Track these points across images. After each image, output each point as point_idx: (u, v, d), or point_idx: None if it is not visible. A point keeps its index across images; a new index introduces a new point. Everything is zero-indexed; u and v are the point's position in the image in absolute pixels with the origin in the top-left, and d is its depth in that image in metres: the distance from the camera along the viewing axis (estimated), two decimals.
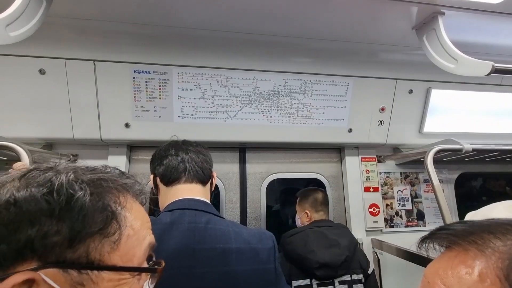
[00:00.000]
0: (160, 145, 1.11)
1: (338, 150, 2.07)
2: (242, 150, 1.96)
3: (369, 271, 1.48)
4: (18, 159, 1.18)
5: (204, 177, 1.02)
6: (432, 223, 2.01)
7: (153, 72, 1.55)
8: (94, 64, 1.48)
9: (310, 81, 1.71)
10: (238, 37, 1.48)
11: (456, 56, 1.19)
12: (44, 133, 1.54)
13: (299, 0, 1.16)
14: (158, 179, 1.02)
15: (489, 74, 1.05)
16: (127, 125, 1.58)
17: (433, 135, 1.93)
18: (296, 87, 1.71)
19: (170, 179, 0.99)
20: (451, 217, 2.05)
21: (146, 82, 1.55)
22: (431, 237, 0.45)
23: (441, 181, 2.10)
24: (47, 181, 0.40)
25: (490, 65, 1.04)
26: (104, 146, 1.70)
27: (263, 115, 1.71)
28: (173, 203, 0.93)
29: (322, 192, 1.66)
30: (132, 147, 1.80)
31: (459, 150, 1.51)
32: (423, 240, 0.46)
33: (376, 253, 1.86)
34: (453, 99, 1.89)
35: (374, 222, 1.90)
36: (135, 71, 1.53)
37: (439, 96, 1.85)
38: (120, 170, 0.51)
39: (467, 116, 1.93)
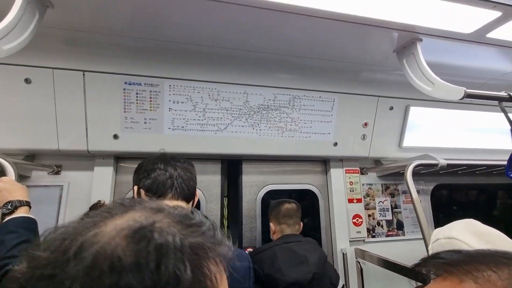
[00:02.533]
0: (149, 156, 1.12)
1: (324, 163, 2.15)
2: (237, 162, 1.98)
3: (339, 287, 1.47)
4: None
5: (189, 195, 1.03)
6: (410, 232, 2.12)
7: (145, 84, 1.55)
8: (84, 74, 1.46)
9: (298, 96, 1.78)
10: (230, 53, 1.52)
11: (433, 80, 1.30)
12: (28, 144, 1.49)
13: (289, 19, 1.22)
14: (142, 192, 1.01)
15: (462, 98, 1.16)
16: (115, 137, 1.56)
17: (411, 149, 2.06)
18: (285, 102, 1.77)
19: (156, 194, 0.99)
20: (428, 227, 2.19)
21: (137, 94, 1.55)
22: (425, 264, 0.44)
23: (418, 192, 2.22)
24: (157, 249, 0.33)
25: (463, 91, 1.15)
26: (90, 157, 1.67)
27: (253, 128, 1.75)
28: None
29: (289, 204, 1.59)
30: (119, 158, 1.77)
31: (435, 165, 1.63)
32: (417, 266, 0.45)
33: (359, 262, 1.93)
34: (429, 116, 2.03)
35: (357, 232, 1.97)
36: (126, 83, 1.53)
37: (417, 113, 1.99)
38: (212, 224, 0.42)
39: (442, 132, 2.08)
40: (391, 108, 1.95)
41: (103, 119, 1.54)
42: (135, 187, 1.04)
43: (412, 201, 1.46)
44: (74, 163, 1.68)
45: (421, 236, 2.11)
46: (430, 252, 0.86)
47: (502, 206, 2.83)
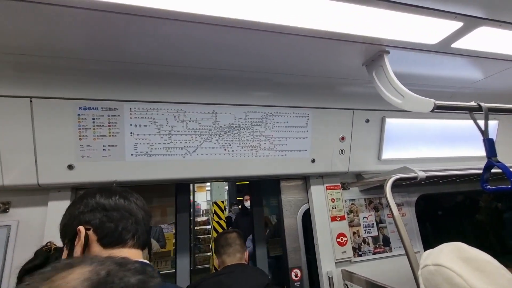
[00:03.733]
0: (97, 186, 0.92)
1: (304, 180, 2.05)
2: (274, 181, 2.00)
3: None
4: None
5: (146, 243, 0.89)
6: (398, 248, 2.03)
7: (102, 108, 1.43)
8: (31, 101, 1.33)
9: (270, 113, 1.70)
10: (195, 72, 1.44)
11: (402, 92, 1.25)
12: None
13: (257, 36, 1.16)
14: (91, 235, 0.80)
15: (432, 110, 1.11)
16: (70, 167, 1.41)
17: (391, 162, 2.00)
18: (257, 120, 1.68)
19: (113, 241, 0.81)
20: (415, 239, 2.11)
21: (94, 119, 1.42)
22: None
23: (402, 204, 2.17)
24: None
25: (432, 103, 1.10)
26: (43, 190, 1.50)
27: (225, 149, 1.65)
28: None
29: (229, 233, 1.55)
30: (78, 189, 1.61)
31: (415, 178, 1.57)
32: None
33: (347, 285, 1.81)
34: (406, 127, 2.00)
35: (343, 252, 1.86)
36: (80, 108, 1.40)
37: (393, 125, 1.95)
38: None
39: (420, 142, 2.05)
40: (367, 121, 1.90)
41: (55, 148, 1.39)
42: (80, 228, 0.81)
43: (393, 219, 1.37)
44: (25, 198, 1.50)
45: None
46: (420, 279, 0.78)
47: (485, 210, 2.83)
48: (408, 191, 2.20)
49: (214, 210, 5.19)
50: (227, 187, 7.89)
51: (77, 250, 0.78)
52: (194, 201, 8.57)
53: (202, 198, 9.31)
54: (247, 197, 4.69)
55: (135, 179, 1.51)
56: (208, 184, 9.01)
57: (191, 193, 8.50)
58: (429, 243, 2.14)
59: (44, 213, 1.48)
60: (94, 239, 0.80)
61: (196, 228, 8.13)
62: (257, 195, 2.43)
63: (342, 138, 1.86)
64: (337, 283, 1.79)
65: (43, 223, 1.46)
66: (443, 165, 2.01)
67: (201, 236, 7.60)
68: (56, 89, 1.35)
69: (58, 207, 1.49)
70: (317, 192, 1.97)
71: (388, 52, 1.36)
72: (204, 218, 8.34)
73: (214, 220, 5.13)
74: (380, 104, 1.90)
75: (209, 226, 8.11)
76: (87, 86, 1.39)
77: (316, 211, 1.92)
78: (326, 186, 1.99)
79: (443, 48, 1.36)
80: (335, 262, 1.84)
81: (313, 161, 1.83)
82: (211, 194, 5.76)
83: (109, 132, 1.45)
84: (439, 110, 1.11)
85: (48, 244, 1.27)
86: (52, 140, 1.38)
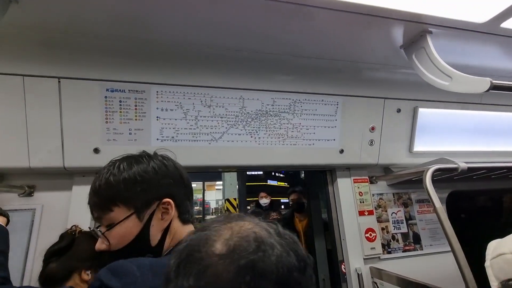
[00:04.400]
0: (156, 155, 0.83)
1: (329, 172, 1.97)
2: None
3: None
4: None
5: None
6: (429, 246, 1.92)
7: (129, 90, 1.39)
8: (59, 81, 1.30)
9: (299, 100, 1.63)
10: (223, 54, 1.39)
11: (450, 73, 1.16)
12: None
13: (285, 17, 1.10)
14: (174, 205, 0.72)
15: (487, 90, 1.02)
16: (96, 151, 1.38)
17: (423, 154, 1.90)
18: (285, 107, 1.62)
19: (187, 219, 0.78)
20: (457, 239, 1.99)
21: (120, 101, 1.39)
22: None
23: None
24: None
25: (488, 82, 1.01)
26: (68, 175, 1.47)
27: (251, 137, 1.59)
28: None
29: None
30: None
31: (455, 170, 1.47)
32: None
33: (376, 283, 1.72)
34: (440, 118, 1.90)
35: (372, 248, 1.77)
36: (107, 90, 1.36)
37: (426, 115, 1.85)
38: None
39: (454, 134, 1.93)
40: (399, 111, 1.81)
41: (82, 131, 1.36)
42: (168, 200, 0.72)
43: (435, 211, 1.28)
44: (50, 182, 1.47)
45: (440, 250, 1.94)
46: (490, 270, 0.71)
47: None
48: (438, 187, 2.08)
49: (227, 207, 5.14)
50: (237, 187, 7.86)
51: (162, 224, 0.71)
52: (204, 200, 8.57)
53: (211, 197, 9.32)
54: (263, 194, 4.61)
55: None
56: (218, 182, 9.00)
57: (202, 192, 8.52)
58: (460, 242, 2.02)
59: (68, 198, 1.45)
60: (176, 214, 0.75)
61: None
62: (313, 187, 2.34)
63: (372, 128, 1.78)
64: (366, 282, 1.70)
65: (67, 208, 1.43)
66: (479, 160, 1.90)
67: None
68: (84, 70, 1.32)
69: (82, 192, 1.46)
70: (344, 185, 1.88)
71: (430, 32, 1.27)
72: (214, 217, 8.32)
73: None
74: (412, 93, 1.81)
75: None
76: (115, 67, 1.36)
77: (343, 205, 1.83)
78: (353, 179, 1.90)
79: (491, 29, 1.27)
80: (364, 259, 1.75)
81: (341, 151, 1.75)
82: (223, 192, 5.71)
83: (136, 116, 1.41)
84: (496, 90, 1.01)
85: (73, 227, 1.24)
86: (79, 123, 1.35)
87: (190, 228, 0.77)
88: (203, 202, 8.52)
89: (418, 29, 1.26)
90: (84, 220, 1.40)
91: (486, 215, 2.31)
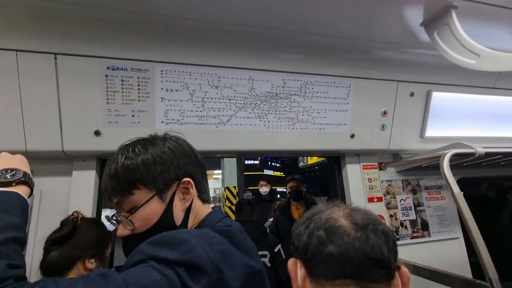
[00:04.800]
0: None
1: (337, 159, 1.92)
2: None
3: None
4: None
5: None
6: (437, 233, 1.90)
7: (131, 69, 1.30)
8: (56, 58, 1.20)
9: (310, 82, 1.55)
10: (232, 30, 1.29)
11: (477, 50, 1.09)
12: None
13: None
14: (194, 184, 0.70)
15: None
16: (97, 133, 1.30)
17: (434, 140, 1.85)
18: (296, 89, 1.54)
19: (207, 199, 0.78)
20: (455, 224, 1.98)
21: (122, 81, 1.29)
22: None
23: (441, 187, 2.02)
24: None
25: None
26: (67, 159, 1.39)
27: (260, 120, 1.51)
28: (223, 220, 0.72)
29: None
30: (104, 160, 1.50)
31: (472, 155, 1.42)
32: None
33: None
34: (452, 103, 1.84)
35: None
36: (108, 68, 1.27)
37: (439, 99, 1.79)
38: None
39: (466, 120, 1.88)
40: (412, 94, 1.74)
41: (81, 113, 1.27)
42: (188, 179, 0.69)
43: (453, 197, 1.23)
44: (48, 167, 1.40)
45: (448, 237, 1.92)
46: None
47: None
48: None
49: (226, 196, 5.11)
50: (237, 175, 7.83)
51: (184, 204, 0.69)
52: None
53: (209, 185, 9.32)
54: (262, 182, 4.56)
55: None
56: (216, 171, 8.96)
57: None
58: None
59: (68, 183, 1.37)
60: (195, 194, 0.72)
61: None
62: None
63: (384, 113, 1.71)
64: None
65: (67, 193, 1.36)
66: (493, 145, 1.85)
67: None
68: (82, 45, 1.22)
69: (83, 178, 1.39)
70: (353, 171, 1.83)
71: (455, 8, 1.19)
72: (212, 205, 8.34)
73: (226, 205, 5.06)
74: (426, 76, 1.74)
75: None
76: (116, 44, 1.26)
77: (353, 191, 1.79)
78: (363, 165, 1.85)
79: None
80: None
81: (352, 136, 1.69)
82: (222, 181, 5.67)
83: (139, 96, 1.32)
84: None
85: (75, 213, 1.17)
86: (78, 103, 1.26)
87: (208, 208, 0.76)
88: None
89: (442, 4, 1.18)
90: (85, 206, 1.33)
91: (495, 202, 2.29)
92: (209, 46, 1.36)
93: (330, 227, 0.52)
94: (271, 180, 4.59)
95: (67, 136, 1.27)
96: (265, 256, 1.92)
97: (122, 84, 1.30)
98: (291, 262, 0.55)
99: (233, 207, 5.10)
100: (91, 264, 1.08)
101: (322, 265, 0.49)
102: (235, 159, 5.46)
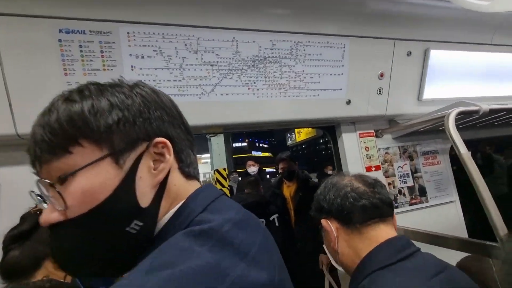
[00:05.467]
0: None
1: (331, 128, 1.80)
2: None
3: None
4: None
5: None
6: (434, 198, 1.87)
7: (90, 32, 1.08)
8: None
9: (302, 42, 1.38)
10: None
11: None
12: None
13: None
14: (173, 150, 0.48)
15: None
16: None
17: (432, 102, 1.76)
18: (286, 51, 1.37)
19: (191, 174, 0.52)
20: (451, 187, 1.95)
21: (81, 46, 1.08)
22: None
23: (437, 152, 1.97)
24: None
25: None
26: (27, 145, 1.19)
27: (248, 88, 1.35)
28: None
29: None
30: None
31: (476, 112, 1.33)
32: None
33: None
34: (449, 62, 1.73)
35: None
36: (61, 31, 1.05)
37: (436, 59, 1.68)
38: None
39: (463, 80, 1.80)
40: (409, 54, 1.62)
41: (35, 88, 1.06)
42: (166, 142, 0.48)
43: (461, 158, 1.15)
44: (7, 155, 1.19)
45: (445, 201, 1.90)
46: None
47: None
48: (443, 137, 2.00)
49: (217, 178, 4.99)
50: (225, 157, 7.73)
51: (155, 177, 0.45)
52: None
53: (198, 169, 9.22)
54: (250, 162, 4.47)
55: None
56: (204, 155, 8.79)
57: None
58: (463, 192, 1.99)
59: (31, 173, 1.18)
60: (175, 165, 0.49)
61: None
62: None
63: (381, 75, 1.59)
64: None
65: (30, 185, 1.17)
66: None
67: None
68: (27, 3, 0.99)
69: None
70: (350, 140, 1.73)
71: None
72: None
73: None
74: (423, 33, 1.61)
75: None
76: (70, 1, 1.03)
77: (349, 160, 1.69)
78: (359, 134, 1.75)
79: None
80: None
81: (349, 102, 1.56)
82: (211, 164, 5.53)
83: (103, 65, 1.12)
84: None
85: (38, 206, 1.00)
86: (29, 77, 1.05)
87: (196, 185, 0.51)
88: None
89: None
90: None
91: (485, 163, 2.29)
92: (184, 2, 1.15)
93: (354, 189, 0.75)
94: (259, 161, 4.50)
95: (20, 116, 1.07)
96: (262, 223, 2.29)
97: (81, 51, 1.08)
98: (324, 221, 0.76)
99: (225, 190, 5.02)
100: None
101: (358, 214, 0.71)
102: (223, 140, 5.30)
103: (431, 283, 0.55)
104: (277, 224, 2.31)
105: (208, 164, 7.76)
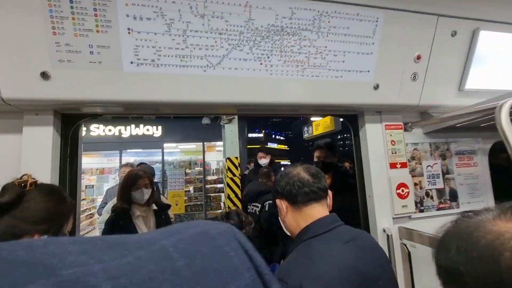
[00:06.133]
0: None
1: (353, 118, 1.60)
2: None
3: None
4: None
5: None
6: (466, 204, 1.64)
7: None
8: None
9: (326, 13, 1.18)
10: None
11: None
12: None
13: None
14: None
15: None
16: (44, 76, 0.98)
17: (475, 94, 1.51)
18: (307, 22, 1.18)
19: None
20: (487, 193, 1.70)
21: (71, 2, 0.95)
22: None
23: (474, 152, 1.72)
24: None
25: None
26: (16, 113, 1.10)
27: (261, 63, 1.18)
28: None
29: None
30: (65, 115, 1.20)
31: None
32: None
33: (405, 245, 1.46)
34: (498, 47, 1.46)
35: (403, 206, 1.48)
36: None
37: (487, 42, 1.41)
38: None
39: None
40: (454, 34, 1.37)
41: (20, 47, 0.95)
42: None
43: None
44: None
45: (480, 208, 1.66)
46: None
47: None
48: (482, 136, 1.74)
49: (228, 167, 4.90)
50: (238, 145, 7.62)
51: None
52: (204, 161, 8.44)
53: (212, 157, 9.20)
54: (261, 154, 4.27)
55: (136, 100, 1.09)
56: (218, 143, 8.74)
57: (203, 153, 8.29)
58: (501, 199, 1.74)
59: (18, 143, 1.09)
60: None
61: (207, 186, 8.10)
62: None
63: (418, 58, 1.36)
64: (395, 243, 1.44)
65: (17, 156, 1.08)
66: None
67: (212, 195, 7.56)
68: None
69: (37, 135, 1.10)
70: (373, 131, 1.52)
71: None
72: (215, 177, 8.26)
73: (227, 176, 4.86)
74: (474, 10, 1.36)
75: (219, 185, 8.04)
76: None
77: (372, 155, 1.50)
78: (385, 125, 1.54)
79: None
80: (393, 218, 1.47)
81: (376, 87, 1.35)
82: (223, 151, 5.43)
83: (97, 26, 0.99)
84: None
85: (24, 177, 0.90)
86: (14, 35, 0.94)
87: None
88: (203, 163, 8.39)
89: None
90: (40, 170, 1.06)
91: None
92: None
93: (301, 178, 0.91)
94: (275, 153, 4.31)
95: (5, 79, 0.96)
96: (257, 207, 2.55)
97: (72, 8, 0.95)
98: (278, 201, 0.95)
99: (235, 179, 4.91)
100: None
101: (301, 197, 0.89)
102: (236, 128, 5.17)
103: (344, 247, 0.80)
104: (266, 209, 2.45)
105: (221, 152, 7.69)
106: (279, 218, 0.98)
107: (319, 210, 0.89)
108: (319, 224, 0.85)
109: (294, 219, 0.90)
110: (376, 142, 1.51)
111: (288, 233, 0.95)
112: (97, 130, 7.06)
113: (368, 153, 1.49)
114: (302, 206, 0.89)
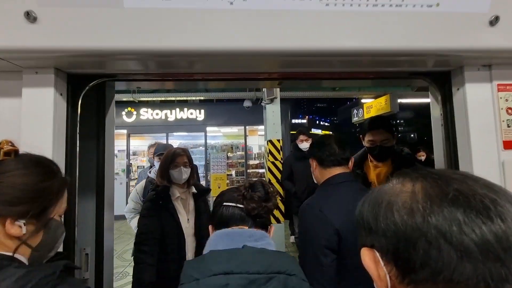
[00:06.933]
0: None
1: (442, 77, 1.12)
2: None
3: None
4: None
5: None
6: None
7: None
8: None
9: None
10: None
11: None
12: None
13: None
14: None
15: None
16: (29, 16, 0.77)
17: None
18: None
19: None
20: None
21: None
22: None
23: None
24: None
25: None
26: (14, 73, 0.93)
27: None
28: None
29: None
30: (73, 75, 1.01)
31: None
32: None
33: None
34: None
35: None
36: None
37: None
38: None
39: None
40: None
41: None
42: None
43: None
44: None
45: None
46: None
47: None
48: None
49: (269, 150, 4.60)
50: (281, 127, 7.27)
51: None
52: (246, 145, 8.37)
53: (253, 141, 9.15)
54: (302, 137, 3.81)
55: (142, 48, 0.82)
56: (260, 127, 8.52)
57: (244, 137, 8.19)
58: None
59: (18, 106, 0.93)
60: None
61: (248, 171, 8.03)
62: None
63: None
64: None
65: (17, 120, 0.92)
66: None
67: (253, 179, 7.46)
68: None
69: (36, 98, 0.92)
70: (478, 95, 1.03)
71: None
72: (256, 162, 8.16)
73: (268, 160, 4.59)
74: None
75: (261, 170, 7.89)
76: None
77: (474, 130, 1.02)
78: (498, 85, 1.03)
79: None
80: None
81: (494, 22, 0.87)
82: (265, 134, 5.15)
83: None
84: None
85: (1, 143, 0.72)
86: None
87: None
88: (245, 148, 8.33)
89: None
90: (41, 139, 0.89)
91: None
92: None
93: (330, 149, 1.19)
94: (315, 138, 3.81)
95: None
96: None
97: None
98: (311, 160, 1.26)
99: (277, 163, 4.61)
100: (17, 228, 0.64)
101: (325, 162, 1.19)
102: (279, 108, 4.81)
103: (355, 191, 1.09)
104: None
105: (263, 137, 7.44)
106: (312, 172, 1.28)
107: (338, 170, 1.16)
108: (335, 179, 1.15)
109: (321, 174, 1.20)
110: (482, 111, 1.02)
111: (316, 182, 1.26)
112: (145, 114, 7.42)
113: (469, 128, 1.02)
114: (327, 167, 1.18)
